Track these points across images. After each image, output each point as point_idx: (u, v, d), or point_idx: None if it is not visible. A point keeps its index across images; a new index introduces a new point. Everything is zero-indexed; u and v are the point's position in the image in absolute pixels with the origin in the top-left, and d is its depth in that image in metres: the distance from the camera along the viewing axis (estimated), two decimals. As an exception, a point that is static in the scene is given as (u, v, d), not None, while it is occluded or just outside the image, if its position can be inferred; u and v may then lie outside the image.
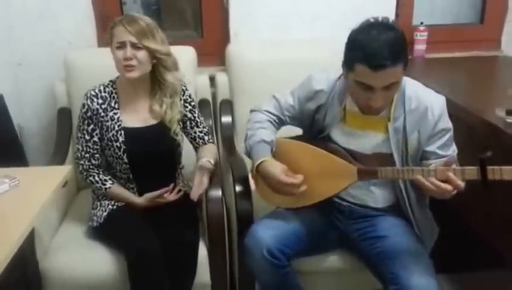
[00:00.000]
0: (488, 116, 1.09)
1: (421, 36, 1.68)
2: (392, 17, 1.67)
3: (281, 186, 1.03)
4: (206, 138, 1.25)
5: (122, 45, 1.09)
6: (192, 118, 1.23)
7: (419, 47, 1.70)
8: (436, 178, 0.87)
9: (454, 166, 0.89)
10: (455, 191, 0.90)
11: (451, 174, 0.86)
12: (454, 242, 1.28)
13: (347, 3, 1.58)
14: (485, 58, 1.74)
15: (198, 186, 1.13)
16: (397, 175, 0.95)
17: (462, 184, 0.87)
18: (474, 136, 1.16)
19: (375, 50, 0.88)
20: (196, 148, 1.26)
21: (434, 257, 1.02)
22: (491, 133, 1.08)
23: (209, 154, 1.21)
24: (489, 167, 0.82)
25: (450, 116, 1.02)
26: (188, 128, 1.23)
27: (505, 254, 1.06)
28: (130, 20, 1.11)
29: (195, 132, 1.23)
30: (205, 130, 1.25)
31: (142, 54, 1.10)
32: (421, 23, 1.70)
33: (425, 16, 1.75)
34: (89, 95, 1.17)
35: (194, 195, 1.12)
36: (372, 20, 0.93)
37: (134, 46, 1.09)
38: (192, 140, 1.25)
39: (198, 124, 1.23)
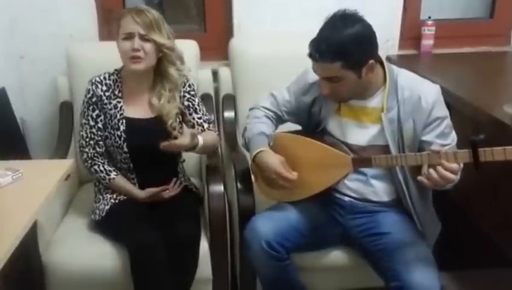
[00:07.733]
0: (496, 112, 1.08)
1: (428, 31, 1.65)
2: (399, 11, 1.65)
3: (276, 178, 1.03)
4: (205, 125, 1.21)
5: (129, 36, 1.09)
6: (191, 105, 1.20)
7: (427, 42, 1.66)
8: (429, 162, 0.86)
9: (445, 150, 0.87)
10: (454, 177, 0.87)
11: (443, 161, 0.85)
12: (457, 240, 1.27)
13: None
14: (495, 54, 1.71)
15: (180, 139, 1.06)
16: (391, 162, 0.95)
17: (454, 166, 0.85)
18: (482, 133, 1.15)
19: (314, 41, 0.94)
20: None
21: (437, 255, 1.01)
22: (498, 130, 1.05)
23: (204, 135, 1.16)
24: (481, 149, 0.81)
25: (457, 112, 1.00)
26: (187, 116, 1.21)
27: (508, 251, 1.04)
28: (139, 11, 1.11)
29: (193, 118, 1.20)
30: (205, 117, 1.22)
31: (149, 47, 1.10)
32: (429, 17, 1.67)
33: (433, 10, 1.71)
34: (93, 81, 1.17)
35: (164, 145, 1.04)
36: (338, 13, 0.95)
37: (142, 37, 1.09)
38: (192, 128, 1.21)
39: (198, 111, 1.21)
